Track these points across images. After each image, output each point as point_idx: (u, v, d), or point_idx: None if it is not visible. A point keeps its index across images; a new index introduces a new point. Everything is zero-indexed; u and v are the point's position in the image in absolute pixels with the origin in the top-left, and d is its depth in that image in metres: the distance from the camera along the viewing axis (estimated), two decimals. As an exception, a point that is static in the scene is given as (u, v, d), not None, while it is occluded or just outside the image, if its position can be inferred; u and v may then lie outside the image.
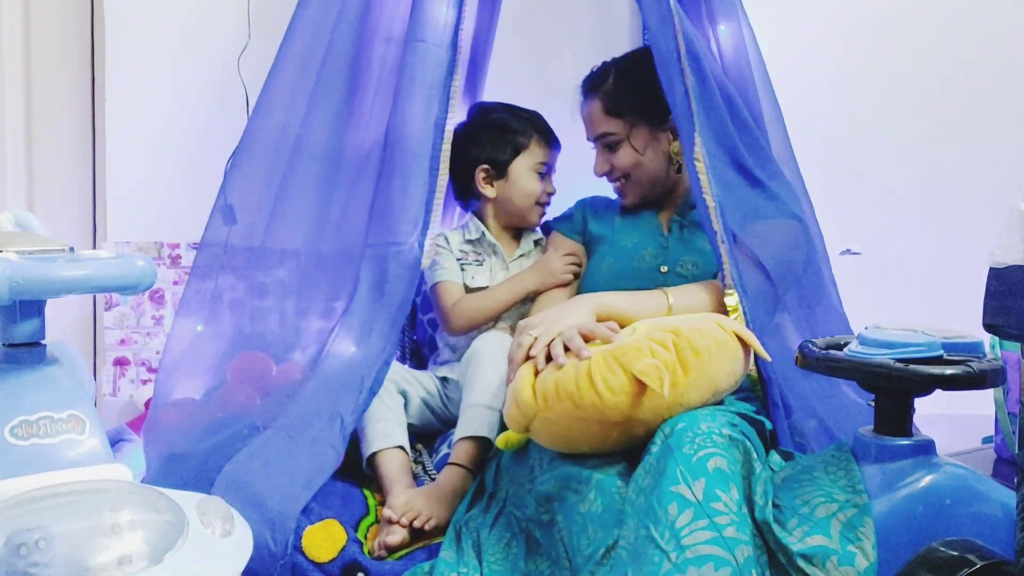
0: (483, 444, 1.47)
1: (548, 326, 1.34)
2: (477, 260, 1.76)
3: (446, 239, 1.78)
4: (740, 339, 1.26)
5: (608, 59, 1.72)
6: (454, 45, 1.59)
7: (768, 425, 1.35)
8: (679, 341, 1.19)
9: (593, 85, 1.69)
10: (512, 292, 1.70)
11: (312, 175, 1.64)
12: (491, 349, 1.54)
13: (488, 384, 1.50)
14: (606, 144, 1.67)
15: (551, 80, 2.05)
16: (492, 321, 1.71)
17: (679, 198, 1.70)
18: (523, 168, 1.74)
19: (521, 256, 1.78)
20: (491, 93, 1.95)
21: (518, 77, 2.03)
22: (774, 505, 1.11)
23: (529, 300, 1.71)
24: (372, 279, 1.55)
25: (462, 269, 1.75)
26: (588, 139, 1.72)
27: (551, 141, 1.78)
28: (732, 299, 1.43)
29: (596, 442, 1.21)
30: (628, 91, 1.64)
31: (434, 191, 1.57)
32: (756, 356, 1.32)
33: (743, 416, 1.26)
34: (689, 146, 1.45)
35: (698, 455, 1.08)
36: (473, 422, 1.48)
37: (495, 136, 1.74)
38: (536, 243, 1.80)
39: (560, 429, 1.21)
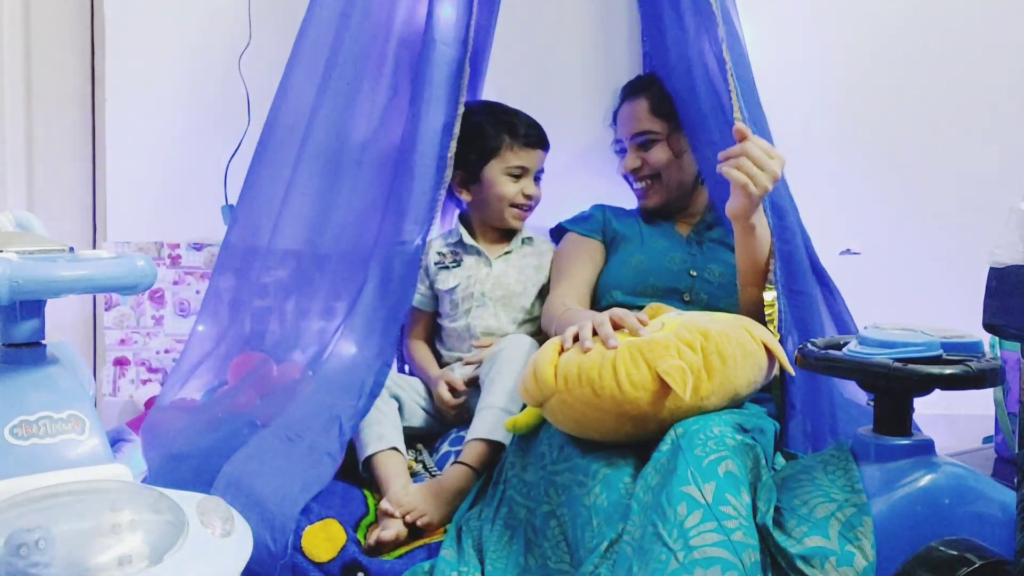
0: (495, 447, 1.47)
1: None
2: (455, 262, 1.78)
3: (425, 250, 1.79)
4: (767, 348, 1.26)
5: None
6: (464, 42, 1.59)
7: (776, 427, 1.35)
8: (707, 345, 1.18)
9: (641, 86, 1.77)
10: (422, 373, 1.75)
11: (315, 175, 1.64)
12: (515, 352, 1.54)
13: (508, 386, 1.50)
14: (642, 143, 1.73)
15: (550, 80, 2.06)
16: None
17: (697, 215, 1.75)
18: (495, 172, 1.75)
19: (507, 253, 1.79)
20: (490, 92, 1.95)
21: (517, 77, 2.02)
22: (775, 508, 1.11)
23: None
24: (379, 279, 1.56)
25: (430, 275, 1.78)
26: (621, 139, 1.79)
27: (531, 143, 1.76)
28: (770, 294, 1.43)
29: (608, 431, 1.21)
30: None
31: (439, 189, 1.58)
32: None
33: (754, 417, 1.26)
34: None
35: (709, 458, 1.08)
36: (488, 424, 1.48)
37: (468, 141, 1.72)
38: (524, 241, 1.81)
39: (575, 413, 1.21)
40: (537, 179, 1.80)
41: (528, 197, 1.77)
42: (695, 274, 1.63)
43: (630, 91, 1.79)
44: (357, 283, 1.58)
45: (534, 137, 1.77)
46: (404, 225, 1.55)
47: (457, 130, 1.60)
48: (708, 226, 1.73)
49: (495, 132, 1.75)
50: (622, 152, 1.80)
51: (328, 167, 1.64)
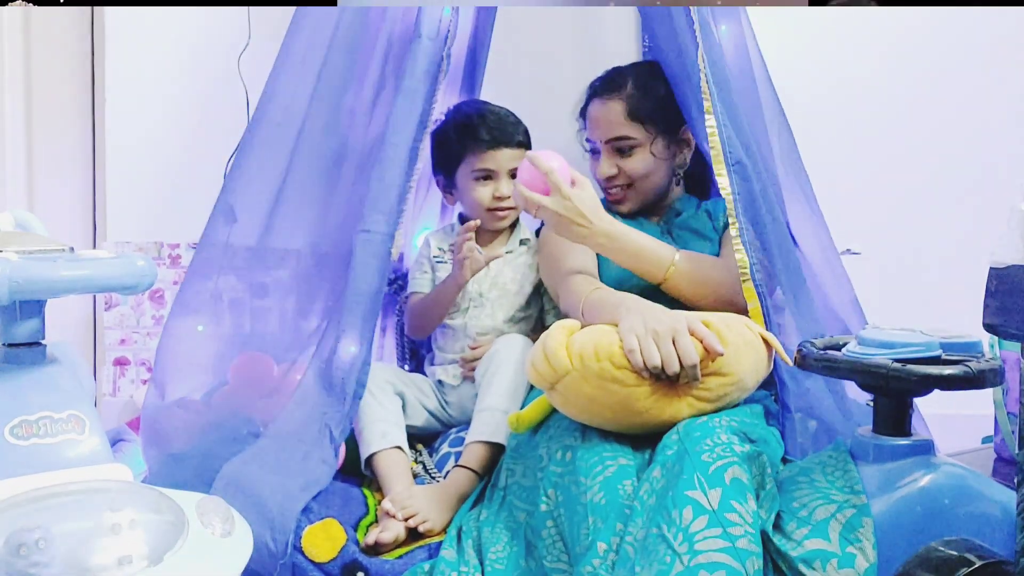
0: (496, 449, 1.46)
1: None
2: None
3: (428, 242, 1.78)
4: (764, 341, 1.29)
5: (617, 65, 1.71)
6: (446, 39, 1.58)
7: (778, 437, 1.36)
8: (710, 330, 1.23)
9: (613, 86, 1.66)
10: (441, 289, 1.71)
11: (312, 174, 1.64)
12: (511, 352, 1.54)
13: (506, 387, 1.49)
14: (619, 148, 1.65)
15: (548, 81, 2.06)
16: (439, 320, 1.73)
17: (667, 207, 1.72)
18: (464, 177, 1.70)
19: (507, 253, 1.75)
20: (488, 93, 1.95)
21: (516, 78, 2.03)
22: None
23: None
24: (348, 273, 1.53)
25: (434, 269, 1.76)
26: (591, 140, 1.71)
27: (495, 144, 1.66)
28: (753, 303, 1.44)
29: (619, 408, 1.21)
30: (651, 99, 1.64)
31: (408, 180, 1.56)
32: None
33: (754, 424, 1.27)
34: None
35: (716, 464, 1.08)
36: (488, 426, 1.47)
37: (438, 147, 1.72)
38: (522, 242, 1.77)
39: (589, 390, 1.21)
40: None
41: (501, 199, 1.68)
42: None
43: (601, 89, 1.68)
44: (342, 282, 1.56)
45: (499, 136, 1.67)
46: (369, 214, 1.52)
47: (431, 123, 1.58)
48: (676, 213, 1.70)
49: (457, 136, 1.69)
50: (594, 152, 1.71)
51: (323, 165, 1.64)
